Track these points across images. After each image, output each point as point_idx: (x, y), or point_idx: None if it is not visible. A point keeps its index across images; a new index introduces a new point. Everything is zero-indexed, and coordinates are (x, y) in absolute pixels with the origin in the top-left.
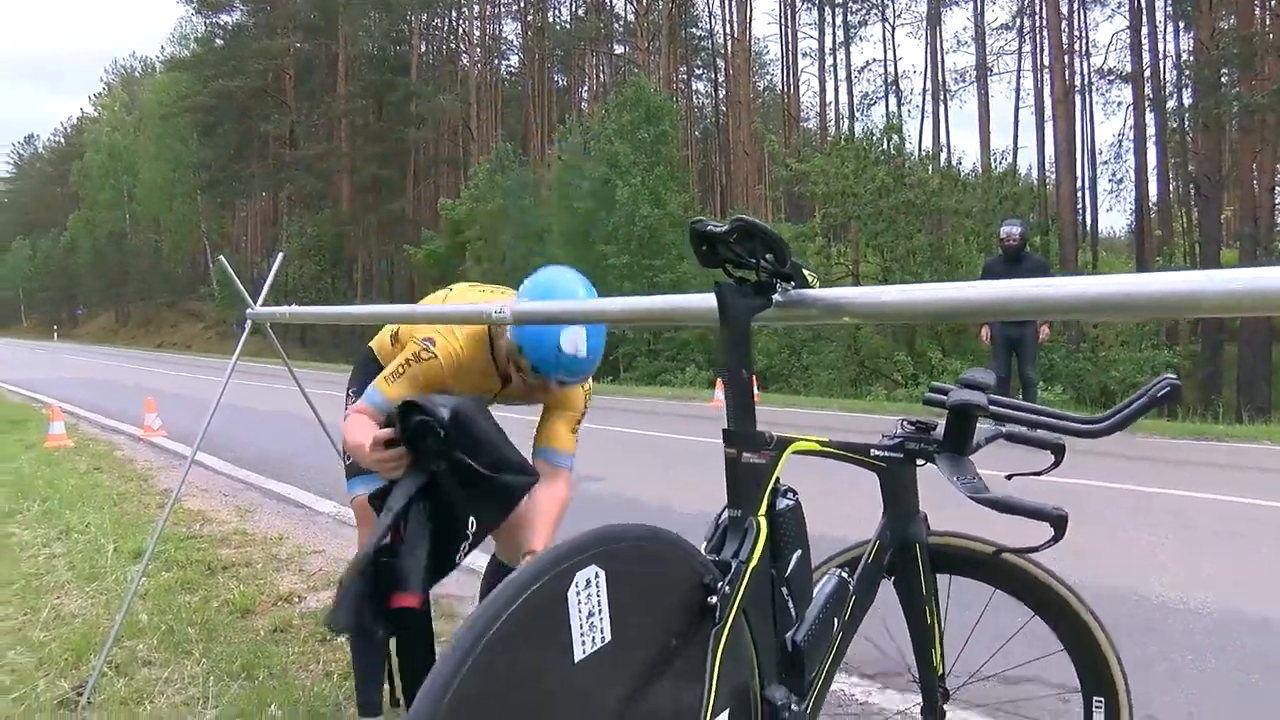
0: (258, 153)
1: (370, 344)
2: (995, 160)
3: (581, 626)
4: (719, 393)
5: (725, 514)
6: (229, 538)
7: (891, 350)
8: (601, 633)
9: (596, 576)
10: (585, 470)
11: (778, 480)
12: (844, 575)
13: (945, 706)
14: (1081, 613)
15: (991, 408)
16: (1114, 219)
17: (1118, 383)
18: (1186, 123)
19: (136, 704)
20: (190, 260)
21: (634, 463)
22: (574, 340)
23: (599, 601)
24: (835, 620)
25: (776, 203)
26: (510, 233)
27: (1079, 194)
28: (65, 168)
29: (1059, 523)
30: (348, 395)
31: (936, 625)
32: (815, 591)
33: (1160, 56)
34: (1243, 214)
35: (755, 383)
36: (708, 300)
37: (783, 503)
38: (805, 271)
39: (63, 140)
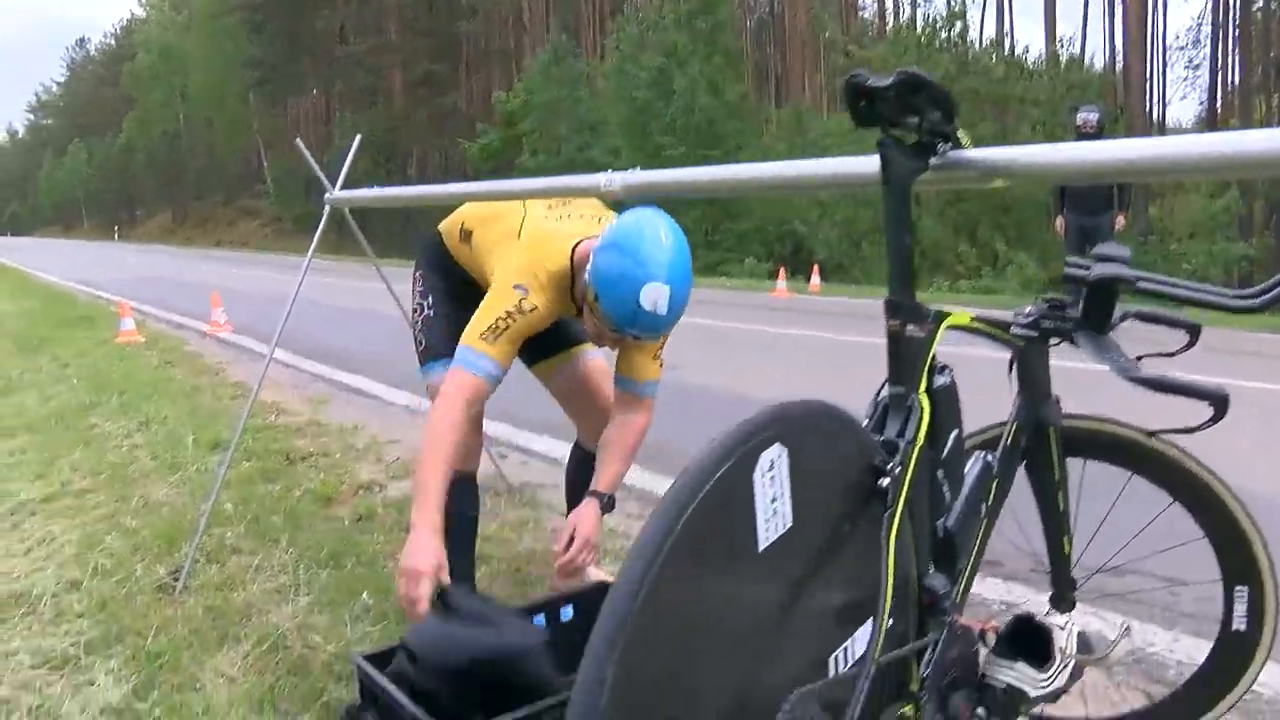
0: (308, 49)
1: (439, 227)
2: (1061, 48)
3: (765, 512)
4: (781, 283)
5: (885, 391)
6: (304, 429)
7: (954, 241)
8: (783, 518)
9: (780, 456)
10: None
11: (934, 356)
12: (989, 458)
13: (1075, 596)
14: (1226, 498)
15: (1139, 283)
16: (1182, 110)
17: (1188, 276)
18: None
19: (231, 590)
20: (244, 159)
21: (703, 353)
22: (655, 296)
23: (782, 484)
24: (982, 506)
25: (833, 94)
26: (566, 125)
27: (1148, 83)
28: (117, 70)
29: (1221, 403)
30: (415, 279)
31: (1068, 512)
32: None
33: None
34: None
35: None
36: (866, 163)
37: (940, 380)
38: (960, 132)
39: (114, 42)
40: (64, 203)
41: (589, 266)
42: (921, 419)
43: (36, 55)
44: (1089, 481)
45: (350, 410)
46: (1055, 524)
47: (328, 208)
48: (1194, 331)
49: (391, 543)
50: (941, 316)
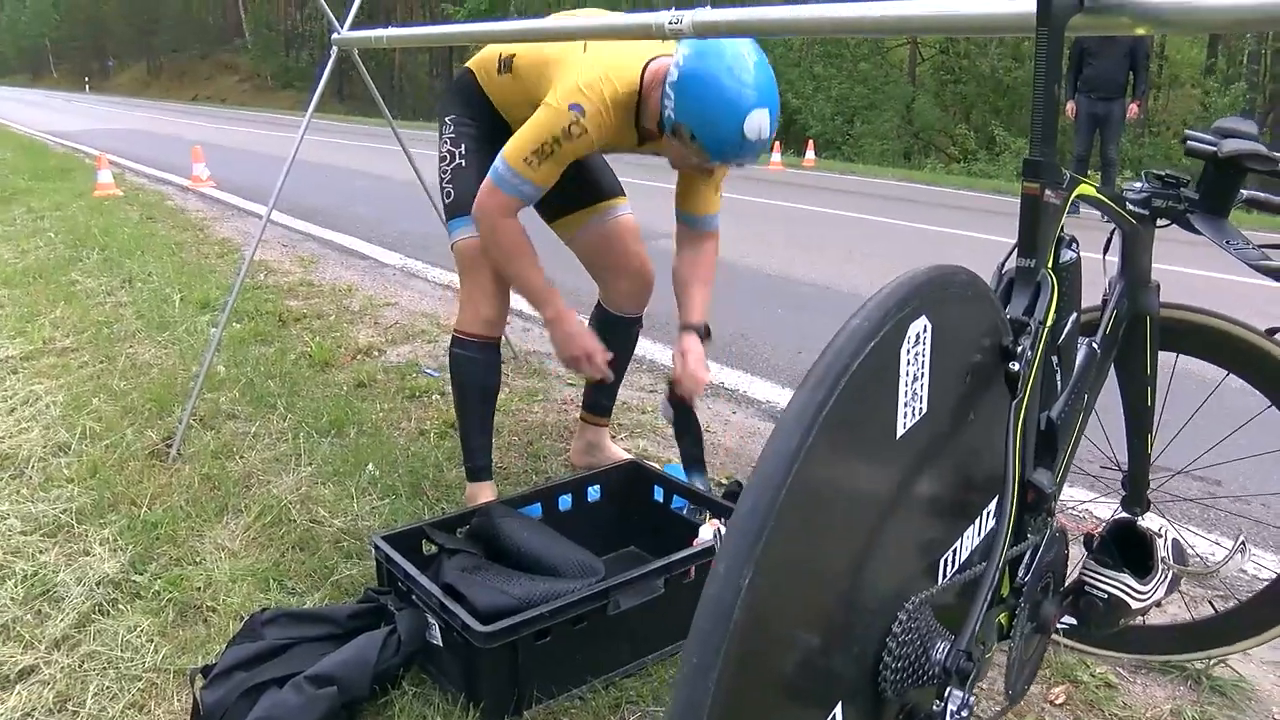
0: None
1: (469, 64)
2: None
3: (906, 394)
4: (776, 155)
5: (1011, 263)
6: (295, 289)
7: (947, 123)
8: (921, 402)
9: (925, 330)
10: (658, 227)
11: (1063, 227)
12: (1094, 346)
13: (1150, 497)
14: None
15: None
16: None
17: (1185, 171)
18: None
19: (227, 458)
20: (221, 10)
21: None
22: (759, 122)
23: (924, 362)
24: (1085, 396)
25: None
26: None
27: None
28: None
29: None
30: (442, 124)
31: (1154, 409)
32: None
33: None
34: None
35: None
36: (1020, 2)
37: (1067, 255)
38: None
39: None
40: (30, 50)
41: (672, 98)
42: (1052, 298)
43: None
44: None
45: (343, 271)
46: (1140, 421)
47: (334, 50)
48: None
49: (395, 410)
50: (1075, 183)
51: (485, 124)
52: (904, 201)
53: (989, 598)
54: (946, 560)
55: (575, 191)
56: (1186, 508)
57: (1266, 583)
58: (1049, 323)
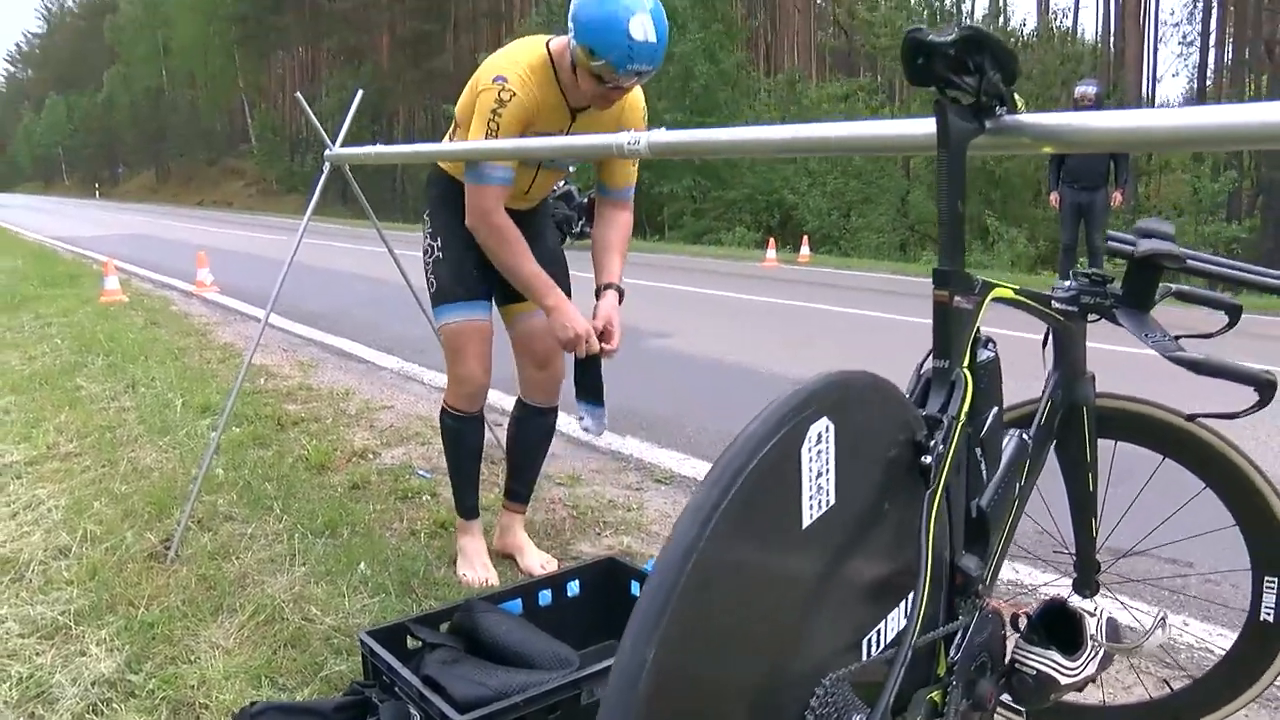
0: (294, 5)
1: (440, 166)
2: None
3: (811, 488)
4: (771, 252)
5: (928, 364)
6: (294, 392)
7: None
8: (828, 494)
9: (827, 430)
10: (650, 326)
11: (979, 329)
12: (1025, 437)
13: (1099, 579)
14: (1262, 487)
15: (1190, 261)
16: (1170, 86)
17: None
18: None
19: (224, 559)
20: (228, 117)
21: (695, 322)
22: (642, 26)
23: (828, 459)
24: (1016, 485)
25: (823, 60)
26: None
27: (1142, 58)
28: (97, 22)
29: (1268, 388)
30: (424, 221)
31: (1096, 494)
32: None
33: None
34: None
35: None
36: (921, 125)
37: (984, 354)
38: (1015, 95)
39: None
40: (44, 158)
41: (571, 29)
42: (966, 395)
43: (18, 4)
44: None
45: (341, 375)
46: (1083, 506)
47: (327, 165)
48: (1234, 313)
49: (387, 511)
50: (989, 288)
51: (455, 206)
52: (897, 295)
53: (899, 676)
54: (871, 639)
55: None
56: (1154, 588)
57: (1217, 657)
58: (962, 418)
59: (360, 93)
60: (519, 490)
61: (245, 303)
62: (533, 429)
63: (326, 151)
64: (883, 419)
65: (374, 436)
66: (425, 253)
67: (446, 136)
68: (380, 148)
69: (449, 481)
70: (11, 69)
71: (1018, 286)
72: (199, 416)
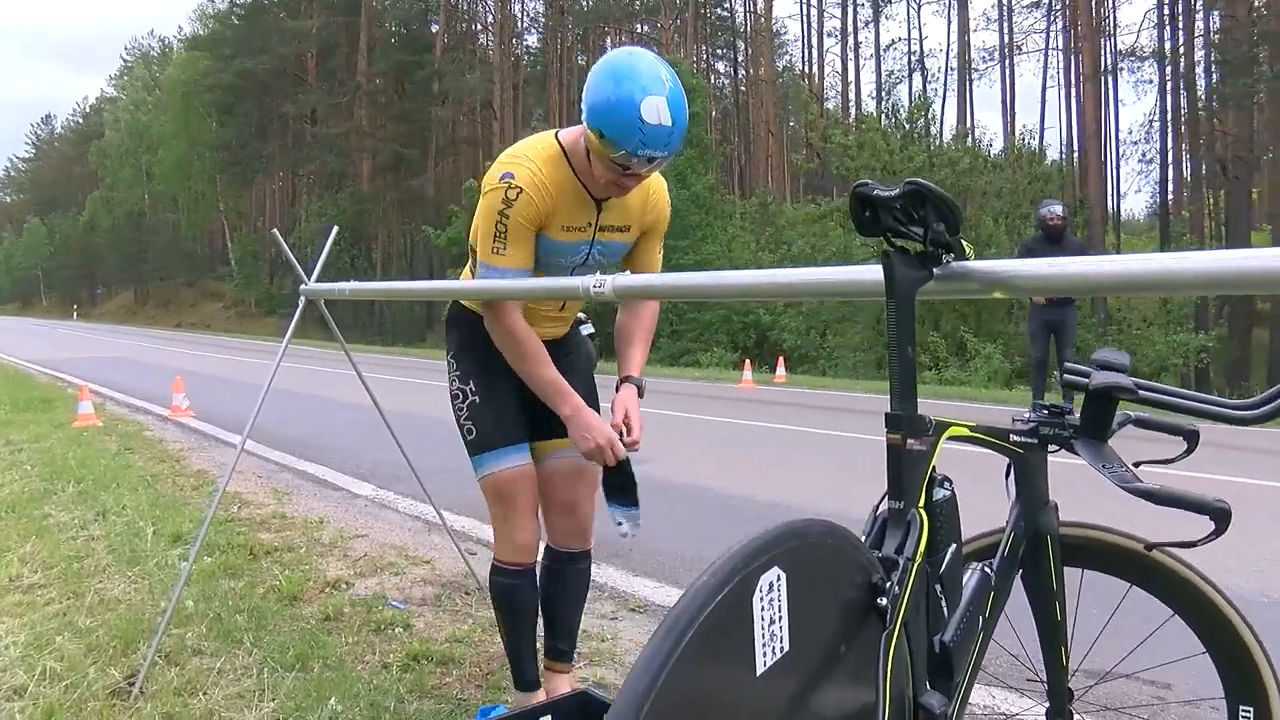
0: (278, 132)
1: (460, 304)
2: (1021, 140)
3: (764, 635)
4: (747, 373)
5: (884, 506)
6: (268, 521)
7: (919, 332)
8: (781, 641)
9: (779, 579)
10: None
11: (934, 469)
12: (987, 570)
13: (1072, 708)
14: (1230, 615)
15: (1139, 391)
16: (1134, 202)
17: (1149, 364)
18: (1214, 103)
19: (191, 695)
20: (208, 239)
21: (674, 446)
22: (656, 109)
23: (780, 607)
24: (980, 618)
25: (796, 181)
26: None
27: (1105, 175)
28: (84, 148)
29: (1222, 517)
30: (449, 364)
31: (1065, 622)
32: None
33: (1193, 35)
34: (1272, 194)
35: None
36: (870, 272)
37: (940, 493)
38: (963, 242)
39: (80, 120)
40: (22, 280)
41: (584, 111)
42: (921, 535)
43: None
44: (1091, 581)
45: (316, 503)
46: (1052, 635)
47: (303, 299)
48: (1192, 439)
49: (359, 644)
50: (942, 428)
51: (482, 345)
52: (872, 414)
53: None
54: None
55: (548, 420)
56: (1131, 716)
57: None
58: (919, 559)
59: (335, 230)
60: (562, 648)
61: (221, 428)
62: (569, 578)
63: (302, 286)
64: (837, 564)
65: (348, 566)
66: (455, 398)
67: (465, 269)
68: (354, 284)
69: (495, 638)
70: None
71: (974, 424)
72: (170, 546)
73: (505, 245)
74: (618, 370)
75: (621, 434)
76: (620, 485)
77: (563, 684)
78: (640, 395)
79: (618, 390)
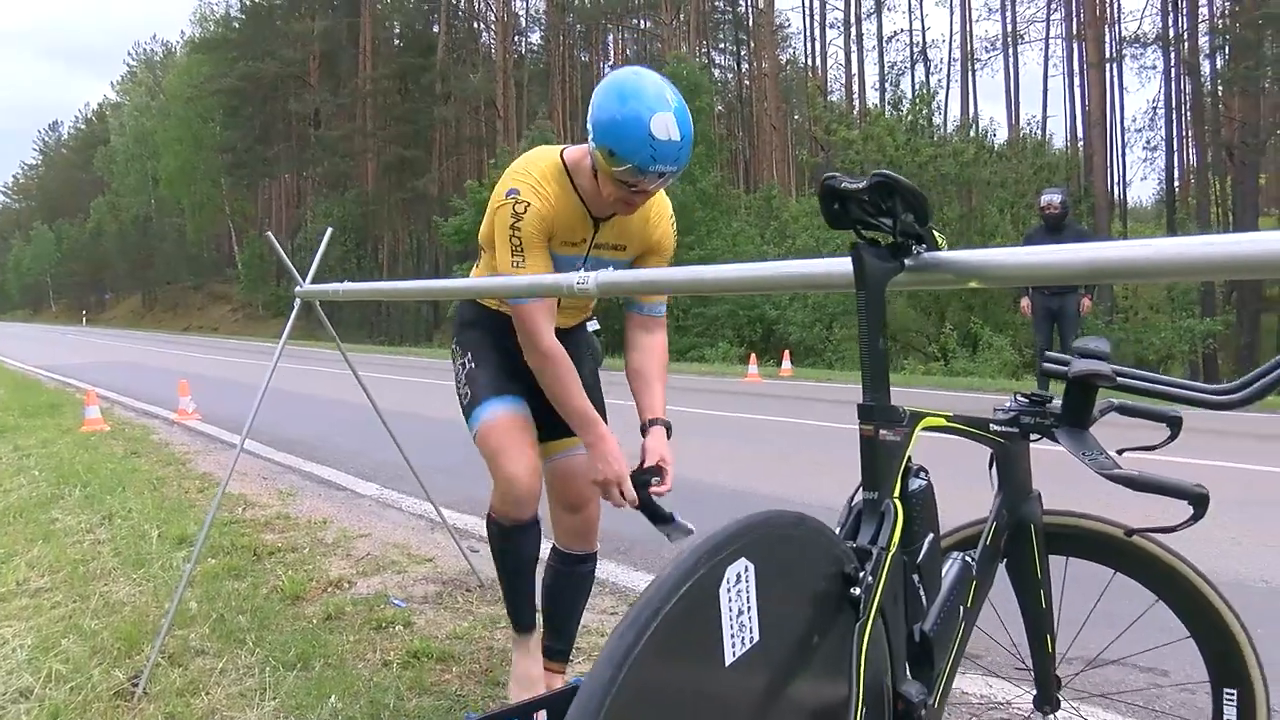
0: (282, 134)
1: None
2: (1025, 129)
3: (732, 626)
4: (753, 367)
5: (859, 496)
6: (272, 522)
7: (923, 324)
8: (750, 632)
9: (746, 571)
10: (633, 448)
11: (909, 459)
12: (968, 559)
13: (1059, 695)
14: (1213, 599)
15: (1118, 378)
16: (1141, 189)
17: (1155, 351)
18: (1219, 88)
19: (193, 695)
20: (215, 243)
21: (681, 442)
22: (665, 124)
23: (749, 598)
24: (960, 608)
25: (801, 175)
26: None
27: (1109, 163)
28: (89, 154)
29: (1200, 501)
30: (452, 350)
31: (1051, 611)
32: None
33: (1197, 20)
34: None
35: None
36: (840, 264)
37: (916, 483)
38: (934, 232)
39: (85, 126)
40: (31, 286)
41: (590, 130)
42: (895, 525)
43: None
44: (1080, 569)
45: (320, 503)
46: (1038, 623)
47: (298, 300)
48: (1175, 425)
49: (361, 642)
50: (918, 418)
51: (486, 326)
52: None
53: None
54: None
55: (554, 420)
56: (1126, 701)
57: None
58: (893, 549)
59: (330, 232)
60: (559, 649)
61: (227, 430)
62: (570, 579)
63: (297, 288)
64: (809, 555)
65: (350, 566)
66: (456, 374)
67: (474, 267)
68: (347, 285)
69: (498, 590)
70: (7, 200)
71: (951, 413)
72: (175, 548)
73: (524, 258)
74: (639, 412)
75: (649, 479)
76: (654, 513)
77: (558, 684)
78: (669, 436)
79: (644, 434)
